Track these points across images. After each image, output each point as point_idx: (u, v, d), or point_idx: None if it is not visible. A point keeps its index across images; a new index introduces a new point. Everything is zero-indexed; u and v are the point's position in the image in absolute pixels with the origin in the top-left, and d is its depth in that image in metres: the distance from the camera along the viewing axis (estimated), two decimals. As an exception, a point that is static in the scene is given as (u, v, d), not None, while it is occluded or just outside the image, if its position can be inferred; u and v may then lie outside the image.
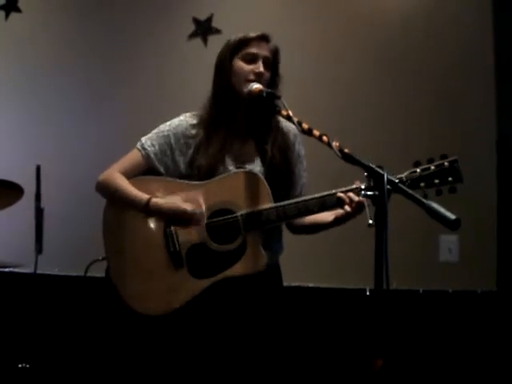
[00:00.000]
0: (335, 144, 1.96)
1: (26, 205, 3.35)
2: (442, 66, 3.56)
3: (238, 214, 2.22)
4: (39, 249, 3.42)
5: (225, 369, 2.27)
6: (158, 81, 3.92)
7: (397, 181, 1.82)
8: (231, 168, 2.29)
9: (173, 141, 2.31)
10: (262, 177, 2.24)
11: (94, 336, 3.69)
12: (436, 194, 2.04)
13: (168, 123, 2.36)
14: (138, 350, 3.31)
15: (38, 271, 3.40)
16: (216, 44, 2.45)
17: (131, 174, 2.32)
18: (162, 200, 2.25)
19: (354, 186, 2.12)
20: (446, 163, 2.04)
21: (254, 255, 2.21)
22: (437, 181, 2.04)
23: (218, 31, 3.85)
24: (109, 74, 4.01)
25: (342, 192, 2.13)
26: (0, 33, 4.16)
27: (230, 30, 2.58)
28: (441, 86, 3.56)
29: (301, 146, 2.40)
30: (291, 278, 3.58)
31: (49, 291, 3.76)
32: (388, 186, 1.78)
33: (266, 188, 2.23)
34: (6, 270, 3.60)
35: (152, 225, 2.28)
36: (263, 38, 2.29)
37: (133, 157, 2.34)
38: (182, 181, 2.29)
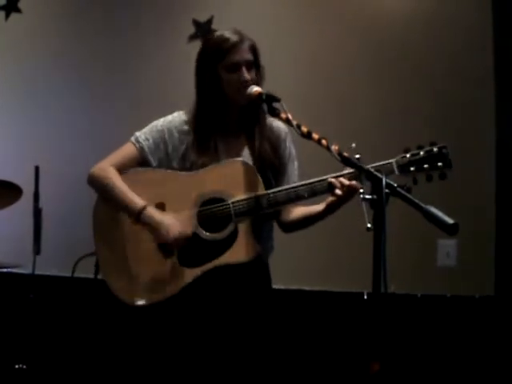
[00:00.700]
0: (334, 147, 1.97)
1: (24, 205, 3.35)
2: (442, 66, 3.56)
3: (229, 201, 2.23)
4: (37, 249, 3.42)
5: (214, 360, 2.28)
6: (158, 81, 3.92)
7: (395, 185, 1.82)
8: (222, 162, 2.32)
9: (166, 136, 2.34)
10: (253, 166, 2.26)
11: (92, 337, 3.69)
12: (426, 179, 2.09)
13: (162, 119, 2.39)
14: (130, 343, 3.31)
15: (36, 272, 3.41)
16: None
17: (125, 167, 2.34)
18: (156, 213, 2.25)
19: (345, 172, 2.14)
20: (435, 149, 2.09)
21: (246, 243, 2.22)
22: (426, 166, 2.08)
23: (218, 33, 3.85)
24: (108, 74, 4.01)
25: (332, 177, 2.14)
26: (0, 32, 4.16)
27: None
28: (440, 86, 3.56)
29: (292, 146, 2.42)
30: (289, 281, 3.61)
31: (47, 292, 3.76)
32: (386, 190, 1.78)
33: (257, 177, 2.25)
34: (4, 270, 3.59)
35: None
36: (240, 42, 2.27)
37: (127, 150, 2.36)
38: (174, 171, 2.31)
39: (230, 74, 2.26)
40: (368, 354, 1.78)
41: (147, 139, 2.34)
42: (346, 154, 1.95)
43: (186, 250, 2.25)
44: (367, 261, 1.82)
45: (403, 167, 2.10)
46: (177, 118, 2.38)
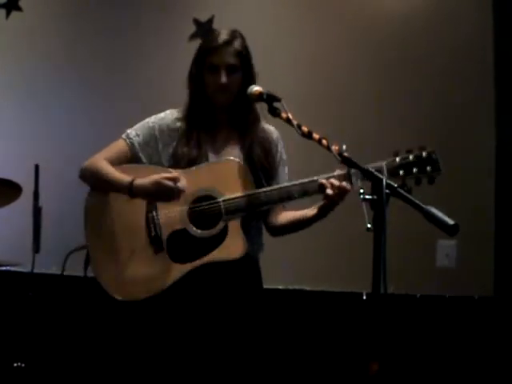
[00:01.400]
0: (334, 148, 1.97)
1: (24, 204, 3.35)
2: (441, 65, 3.56)
3: (220, 199, 2.24)
4: (37, 247, 3.42)
5: (204, 356, 2.28)
6: (158, 81, 3.92)
7: (395, 185, 1.82)
8: (212, 160, 2.32)
9: (157, 132, 2.35)
10: (246, 166, 2.28)
11: (91, 335, 3.69)
12: (415, 183, 2.11)
13: (153, 116, 2.41)
14: (123, 338, 3.30)
15: (35, 270, 3.41)
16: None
17: (115, 163, 2.34)
18: (145, 178, 2.24)
19: (336, 173, 2.16)
20: (424, 153, 2.11)
21: (235, 241, 2.24)
22: (415, 169, 2.10)
23: (218, 33, 3.85)
24: (108, 74, 4.01)
25: (323, 178, 2.16)
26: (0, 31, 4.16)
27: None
28: (440, 85, 3.56)
29: (283, 151, 2.43)
30: (289, 281, 3.61)
31: (46, 290, 3.76)
32: (387, 191, 1.78)
33: (248, 176, 2.26)
34: (3, 268, 3.59)
35: (133, 210, 2.29)
36: (224, 45, 2.27)
37: (117, 146, 2.39)
38: (165, 168, 2.31)
39: (209, 75, 2.29)
40: (367, 354, 1.78)
41: (137, 135, 2.36)
42: (346, 154, 1.95)
43: (176, 246, 2.26)
44: (367, 261, 1.82)
45: (392, 170, 2.11)
46: (169, 115, 2.40)
